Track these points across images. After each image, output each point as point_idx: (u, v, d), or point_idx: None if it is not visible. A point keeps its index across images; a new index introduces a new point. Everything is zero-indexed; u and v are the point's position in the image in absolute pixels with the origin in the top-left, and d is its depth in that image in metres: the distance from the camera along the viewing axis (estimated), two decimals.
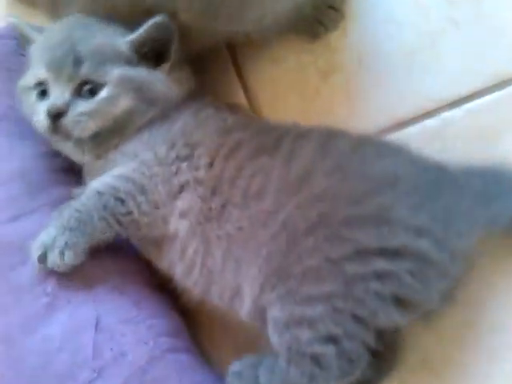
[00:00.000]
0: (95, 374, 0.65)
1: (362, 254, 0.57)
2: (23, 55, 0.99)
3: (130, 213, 0.69)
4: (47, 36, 0.76)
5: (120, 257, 0.77)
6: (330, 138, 0.68)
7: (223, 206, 0.66)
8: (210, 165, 0.69)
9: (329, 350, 0.57)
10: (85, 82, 0.70)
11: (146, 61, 0.73)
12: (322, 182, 0.63)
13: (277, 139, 0.69)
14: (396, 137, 0.79)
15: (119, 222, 0.69)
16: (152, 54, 0.73)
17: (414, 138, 0.78)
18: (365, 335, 0.57)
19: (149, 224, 0.70)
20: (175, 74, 0.75)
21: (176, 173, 0.70)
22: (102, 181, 0.71)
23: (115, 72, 0.70)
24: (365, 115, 0.80)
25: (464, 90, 0.77)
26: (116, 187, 0.69)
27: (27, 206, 0.76)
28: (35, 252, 0.68)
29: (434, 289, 0.58)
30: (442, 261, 0.58)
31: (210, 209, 0.67)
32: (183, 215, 0.69)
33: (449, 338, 0.70)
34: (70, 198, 0.74)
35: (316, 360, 0.58)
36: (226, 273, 0.65)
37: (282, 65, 0.86)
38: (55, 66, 0.71)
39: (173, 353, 0.70)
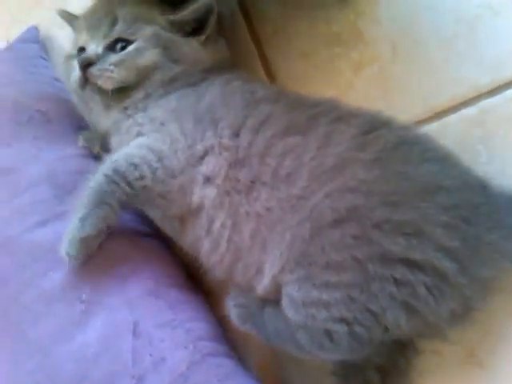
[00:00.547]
0: (135, 381, 0.62)
1: (386, 258, 0.57)
2: (45, 59, 0.98)
3: (142, 177, 0.68)
4: (90, 7, 0.82)
5: (154, 260, 0.74)
6: (373, 127, 0.65)
7: (252, 182, 0.65)
8: (236, 135, 0.68)
9: (341, 329, 0.58)
10: (118, 40, 0.76)
11: (183, 32, 0.78)
12: (358, 173, 0.60)
13: (311, 118, 0.67)
14: (435, 126, 0.76)
15: (130, 185, 0.68)
16: (190, 28, 0.78)
17: (453, 126, 0.76)
18: (374, 326, 0.58)
19: (163, 195, 0.69)
20: (209, 45, 0.78)
21: (201, 139, 0.69)
22: (118, 152, 0.72)
23: (147, 30, 0.76)
24: (401, 106, 0.77)
25: (503, 77, 0.74)
26: (131, 153, 0.70)
27: (55, 209, 0.75)
28: (63, 249, 0.67)
29: (445, 308, 0.58)
30: (461, 285, 0.57)
31: (238, 180, 0.66)
32: (208, 180, 0.67)
33: (496, 330, 0.67)
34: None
35: (328, 334, 0.59)
36: (252, 251, 0.65)
37: (312, 58, 0.84)
38: (94, 27, 0.77)
39: (214, 357, 0.67)
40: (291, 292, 0.61)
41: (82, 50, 0.78)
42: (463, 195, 0.60)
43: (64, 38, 1.04)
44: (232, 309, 0.68)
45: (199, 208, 0.68)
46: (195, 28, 0.78)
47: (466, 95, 0.76)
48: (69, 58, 0.81)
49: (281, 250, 0.62)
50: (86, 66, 0.74)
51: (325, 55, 0.83)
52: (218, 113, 0.70)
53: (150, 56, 0.75)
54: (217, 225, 0.66)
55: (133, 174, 0.68)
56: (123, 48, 0.75)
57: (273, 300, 0.65)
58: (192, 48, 0.77)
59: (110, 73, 0.73)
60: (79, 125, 0.90)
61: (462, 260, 0.57)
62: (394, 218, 0.57)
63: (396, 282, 0.56)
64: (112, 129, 0.77)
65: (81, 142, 0.83)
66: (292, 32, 0.85)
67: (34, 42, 0.99)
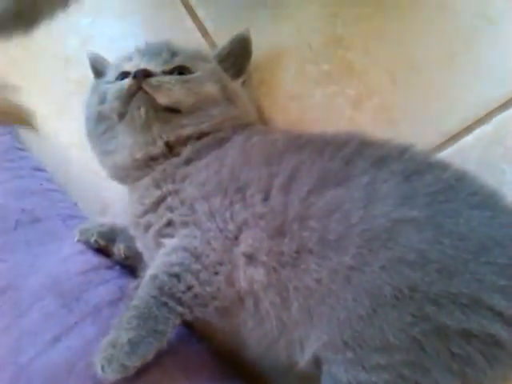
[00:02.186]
0: None
1: (442, 333, 0.53)
2: (20, 148, 0.92)
3: (189, 287, 0.61)
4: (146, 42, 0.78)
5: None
6: (415, 170, 0.60)
7: (298, 253, 0.59)
8: (266, 198, 0.62)
9: None
10: (179, 68, 0.73)
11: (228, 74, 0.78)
12: (412, 239, 0.55)
13: (346, 162, 0.62)
14: (452, 151, 0.72)
15: (181, 303, 0.61)
16: (230, 68, 0.78)
17: (471, 148, 0.72)
18: None
19: (214, 294, 0.62)
20: (246, 90, 0.78)
21: (230, 216, 0.63)
22: (154, 264, 0.65)
23: (208, 65, 0.75)
24: (412, 136, 0.72)
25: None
26: (167, 262, 0.63)
27: (66, 321, 0.68)
28: (98, 364, 0.59)
29: (500, 373, 0.55)
30: None
31: (282, 253, 0.60)
32: (251, 259, 0.61)
33: None
34: (112, 300, 0.67)
35: None
36: (299, 326, 0.59)
37: (306, 100, 0.79)
38: (152, 53, 0.74)
39: None
40: (336, 372, 0.57)
41: (126, 74, 0.72)
42: None
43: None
44: None
45: (248, 292, 0.61)
46: (233, 73, 0.78)
47: (477, 113, 0.71)
48: (101, 83, 0.76)
49: (330, 326, 0.57)
50: (143, 75, 0.68)
51: (319, 95, 0.78)
52: (242, 178, 0.64)
53: (211, 87, 0.72)
54: (265, 305, 0.60)
55: (179, 288, 0.61)
56: (181, 74, 0.73)
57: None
58: (241, 91, 0.77)
59: (170, 86, 0.69)
60: (68, 213, 0.84)
61: None
62: (451, 291, 0.53)
63: (452, 354, 0.53)
64: (134, 178, 0.72)
65: (77, 237, 0.77)
66: (280, 77, 0.80)
67: (4, 134, 0.92)
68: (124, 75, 0.72)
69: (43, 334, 0.66)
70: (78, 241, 0.78)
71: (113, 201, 0.92)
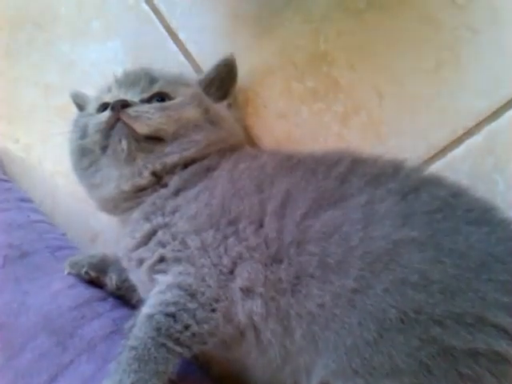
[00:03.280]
0: None
1: (449, 354, 0.52)
2: (4, 180, 0.90)
3: (187, 327, 0.59)
4: (124, 71, 0.76)
5: None
6: (412, 187, 0.60)
7: (297, 278, 0.58)
8: (259, 228, 0.61)
9: None
10: (158, 94, 0.71)
11: (211, 98, 0.76)
12: (414, 260, 0.54)
13: (341, 182, 0.61)
14: (443, 164, 0.72)
15: (179, 343, 0.59)
16: (216, 92, 0.77)
17: (461, 160, 0.71)
18: None
19: (212, 331, 0.60)
20: (232, 112, 0.77)
21: (224, 251, 0.61)
22: (149, 303, 0.62)
23: (188, 90, 0.73)
24: (401, 150, 0.72)
25: (500, 98, 0.69)
26: (162, 301, 0.61)
27: (61, 360, 0.67)
28: None
29: None
30: None
31: (281, 280, 0.58)
32: (248, 292, 0.60)
33: None
34: (106, 334, 0.66)
35: None
36: (303, 352, 0.58)
37: (293, 118, 0.78)
38: (129, 83, 0.72)
39: None
40: None
41: (103, 106, 0.71)
42: None
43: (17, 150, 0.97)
44: None
45: (248, 325, 0.60)
46: (219, 96, 0.77)
47: (466, 124, 0.71)
48: (82, 116, 0.74)
49: (338, 354, 0.55)
50: (121, 106, 0.66)
51: (306, 113, 0.78)
52: (233, 210, 0.63)
53: (192, 112, 0.70)
54: (267, 335, 0.59)
55: (176, 328, 0.59)
56: (161, 101, 0.71)
57: None
58: (226, 114, 0.75)
59: (149, 115, 0.67)
60: (57, 245, 0.82)
61: None
62: (455, 311, 0.52)
63: (461, 375, 0.52)
64: (122, 200, 0.70)
65: (67, 270, 0.76)
66: (265, 96, 0.80)
67: None
68: (104, 107, 0.70)
69: (39, 375, 0.64)
70: (69, 274, 0.76)
71: (102, 228, 0.90)
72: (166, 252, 0.63)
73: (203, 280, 0.60)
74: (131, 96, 0.70)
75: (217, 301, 0.60)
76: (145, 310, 0.62)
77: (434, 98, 0.72)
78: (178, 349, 0.59)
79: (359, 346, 0.54)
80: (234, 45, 0.80)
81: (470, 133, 0.71)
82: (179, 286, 0.61)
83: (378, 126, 0.74)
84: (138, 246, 0.66)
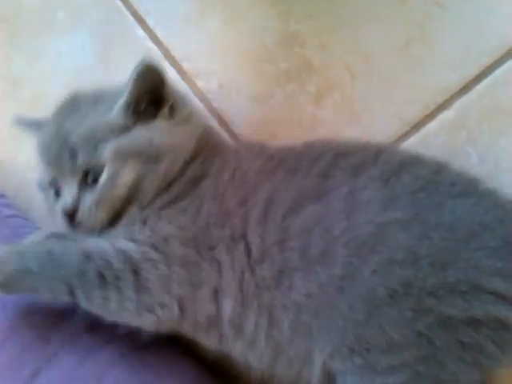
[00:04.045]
0: None
1: (448, 324, 0.53)
2: None
3: (105, 298, 0.60)
4: (43, 133, 0.70)
5: None
6: (392, 170, 0.60)
7: (280, 272, 0.58)
8: (241, 238, 0.61)
9: None
10: (87, 172, 0.65)
11: (146, 115, 0.67)
12: (400, 239, 0.55)
13: (322, 176, 0.61)
14: (416, 140, 0.73)
15: (86, 298, 0.61)
16: (148, 106, 0.67)
17: (434, 135, 0.72)
18: None
19: (133, 316, 0.61)
20: (179, 116, 0.68)
21: (197, 274, 0.61)
22: (100, 244, 0.63)
23: (107, 149, 0.64)
24: (375, 128, 0.73)
25: (470, 72, 0.70)
26: (109, 262, 0.60)
27: (44, 352, 0.65)
28: None
29: (510, 355, 0.55)
30: None
31: (264, 277, 0.59)
32: (219, 295, 0.60)
33: None
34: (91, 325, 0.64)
35: None
36: (295, 342, 0.59)
37: (266, 101, 0.78)
38: (56, 164, 0.67)
39: None
40: (351, 383, 0.57)
41: (53, 182, 0.68)
42: (508, 227, 0.56)
43: None
44: None
45: (215, 321, 0.61)
46: (156, 104, 0.67)
47: (437, 100, 0.72)
48: (42, 187, 0.71)
49: (331, 336, 0.56)
50: (71, 216, 0.64)
51: (279, 95, 0.77)
52: (215, 235, 0.62)
53: (126, 176, 0.64)
54: (249, 327, 0.60)
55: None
56: (95, 179, 0.64)
57: None
58: (162, 132, 0.66)
59: (93, 216, 0.64)
60: None
61: None
62: (448, 281, 0.53)
63: (463, 344, 0.53)
64: None
65: None
66: (238, 79, 0.79)
67: None
68: (52, 183, 0.68)
69: (23, 368, 0.64)
70: None
71: None
72: (140, 236, 0.63)
73: (167, 285, 0.60)
74: (67, 183, 0.66)
75: (163, 307, 0.60)
76: (92, 244, 0.62)
77: (405, 74, 0.72)
78: (78, 299, 0.61)
79: (351, 325, 0.55)
80: (203, 29, 0.79)
81: (441, 108, 0.71)
82: (135, 269, 0.60)
83: (351, 104, 0.74)
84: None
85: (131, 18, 0.83)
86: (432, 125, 0.72)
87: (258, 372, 0.64)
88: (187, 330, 0.63)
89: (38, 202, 0.91)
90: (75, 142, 0.65)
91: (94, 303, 0.61)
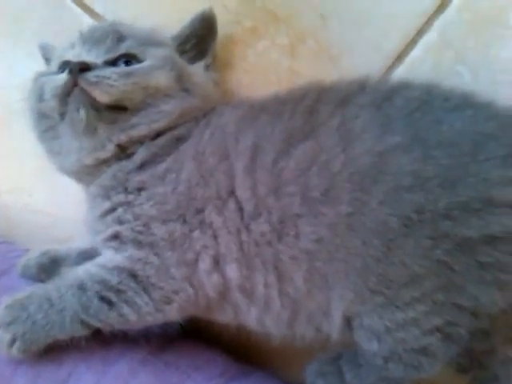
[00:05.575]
0: None
1: (466, 246, 0.51)
2: None
3: (122, 315, 0.58)
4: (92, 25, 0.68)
5: None
6: (383, 97, 0.56)
7: (282, 223, 0.55)
8: (229, 196, 0.57)
9: (435, 339, 0.54)
10: (124, 56, 0.63)
11: (187, 57, 0.69)
12: (404, 164, 0.52)
13: (309, 113, 0.57)
14: (404, 69, 0.68)
15: (101, 322, 0.58)
16: (192, 50, 0.69)
17: (421, 61, 0.68)
18: (466, 319, 0.54)
19: (156, 315, 0.59)
20: (210, 74, 0.69)
21: (189, 247, 0.58)
22: (88, 269, 0.60)
23: (160, 51, 0.64)
24: (358, 67, 0.68)
25: None
26: (103, 280, 0.58)
27: (58, 375, 0.61)
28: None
29: None
30: None
31: (263, 233, 0.55)
32: (218, 263, 0.57)
33: None
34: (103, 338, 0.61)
35: (423, 351, 0.55)
36: (313, 294, 0.56)
37: (239, 64, 0.74)
38: (94, 40, 0.63)
39: None
40: (369, 323, 0.55)
41: (65, 64, 0.61)
42: (507, 130, 0.53)
43: None
44: None
45: (224, 292, 0.58)
46: (197, 53, 0.69)
47: (417, 24, 0.67)
48: (42, 75, 0.65)
49: (351, 279, 0.53)
50: (79, 70, 0.57)
51: (251, 55, 0.73)
52: (200, 195, 0.58)
53: (163, 78, 0.62)
54: (260, 290, 0.56)
55: (108, 315, 0.58)
56: (128, 64, 0.62)
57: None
58: (202, 77, 0.67)
59: (111, 81, 0.58)
60: None
61: None
62: (459, 201, 0.50)
63: (482, 264, 0.51)
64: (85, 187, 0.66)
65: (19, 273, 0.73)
66: None
67: None
68: (64, 66, 0.61)
69: None
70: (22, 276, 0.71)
71: (66, 236, 0.83)
72: (123, 230, 0.59)
73: (167, 272, 0.57)
74: (95, 56, 0.62)
75: (177, 292, 0.57)
76: (80, 273, 0.59)
77: (376, 6, 0.68)
78: (98, 326, 0.59)
79: (370, 264, 0.52)
80: (156, 5, 0.75)
81: (422, 32, 0.67)
82: (132, 275, 0.57)
83: (327, 49, 0.70)
84: (95, 221, 0.63)
85: (78, 10, 0.78)
86: (416, 52, 0.68)
87: (277, 338, 0.61)
88: (203, 309, 0.60)
89: (21, 225, 0.87)
90: (127, 32, 0.64)
91: (115, 324, 0.59)
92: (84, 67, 0.58)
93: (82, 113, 0.58)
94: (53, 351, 0.61)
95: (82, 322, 0.58)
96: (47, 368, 0.61)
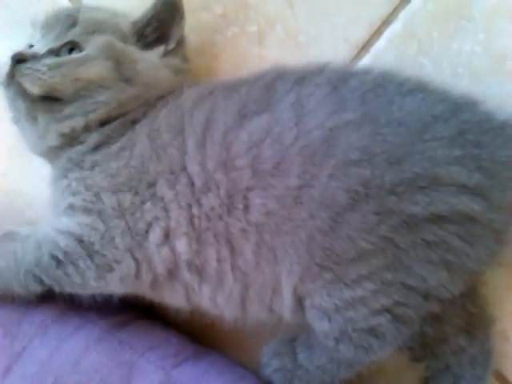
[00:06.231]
0: None
1: (411, 223, 0.51)
2: None
3: (67, 275, 0.60)
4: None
5: None
6: (340, 78, 0.57)
7: (230, 197, 0.55)
8: (183, 168, 0.58)
9: (384, 319, 0.55)
10: (69, 43, 0.63)
11: (146, 42, 0.67)
12: (353, 140, 0.52)
13: (266, 88, 0.58)
14: (369, 59, 0.70)
15: (54, 280, 0.60)
16: (153, 34, 0.67)
17: (385, 51, 0.69)
18: (415, 300, 0.54)
19: (99, 282, 0.60)
20: (169, 59, 0.67)
21: (141, 217, 0.59)
22: (45, 230, 0.62)
23: (100, 38, 0.63)
24: (324, 55, 0.69)
25: None
26: (54, 241, 0.60)
27: (13, 349, 0.62)
28: None
29: (482, 250, 0.53)
30: (491, 221, 0.53)
31: (213, 208, 0.56)
32: (168, 237, 0.58)
33: None
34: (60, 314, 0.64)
35: (372, 331, 0.55)
36: (262, 267, 0.56)
37: (209, 50, 0.74)
38: (50, 25, 0.65)
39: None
40: (319, 302, 0.55)
41: (30, 47, 0.65)
42: (461, 117, 0.54)
43: None
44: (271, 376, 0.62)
45: (174, 269, 0.59)
46: (159, 36, 0.67)
47: (382, 14, 0.68)
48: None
49: (298, 254, 0.54)
50: (17, 61, 0.60)
51: (221, 41, 0.74)
52: (152, 170, 0.59)
53: (97, 69, 0.61)
54: (212, 264, 0.57)
55: (56, 273, 0.60)
56: (70, 52, 0.63)
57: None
58: (150, 64, 0.65)
59: (40, 74, 0.59)
60: None
61: (485, 194, 0.52)
62: (405, 177, 0.51)
63: (428, 244, 0.51)
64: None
65: None
66: None
67: None
68: (29, 47, 0.65)
69: None
70: None
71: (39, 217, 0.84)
72: (75, 201, 0.60)
73: (111, 241, 0.58)
74: (44, 43, 0.63)
75: (118, 262, 0.58)
76: (39, 234, 0.62)
77: None
78: (48, 283, 0.61)
79: (316, 237, 0.53)
80: None
81: (387, 22, 0.69)
82: (78, 239, 0.59)
83: (295, 37, 0.71)
84: (57, 202, 0.64)
85: None
86: (381, 42, 0.69)
87: (231, 322, 0.62)
88: (150, 288, 0.61)
89: None
90: (81, 19, 0.64)
91: (62, 283, 0.60)
92: (21, 58, 0.60)
93: (19, 102, 0.62)
94: (8, 326, 0.62)
95: (35, 276, 0.60)
96: (1, 342, 0.61)
